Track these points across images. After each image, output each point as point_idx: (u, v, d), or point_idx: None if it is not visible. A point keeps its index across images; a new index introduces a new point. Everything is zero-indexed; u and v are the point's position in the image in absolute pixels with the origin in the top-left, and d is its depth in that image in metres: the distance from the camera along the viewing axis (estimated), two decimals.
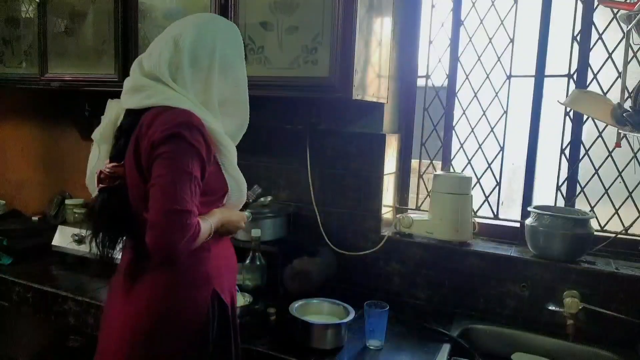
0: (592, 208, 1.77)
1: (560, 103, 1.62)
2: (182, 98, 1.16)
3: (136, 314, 1.16)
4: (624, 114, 1.38)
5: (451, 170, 1.99)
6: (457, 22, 1.94)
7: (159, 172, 1.07)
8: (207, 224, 1.15)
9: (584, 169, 1.78)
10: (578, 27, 1.75)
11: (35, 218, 2.61)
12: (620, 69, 1.57)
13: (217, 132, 1.17)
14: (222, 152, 1.20)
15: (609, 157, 1.73)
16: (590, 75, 1.75)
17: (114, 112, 1.26)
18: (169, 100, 1.14)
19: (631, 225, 1.71)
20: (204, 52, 1.20)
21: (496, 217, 1.94)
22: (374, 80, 1.74)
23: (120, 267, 1.25)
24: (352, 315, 1.49)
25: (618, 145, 1.54)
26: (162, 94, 1.16)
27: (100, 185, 1.17)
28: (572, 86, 1.77)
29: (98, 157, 1.26)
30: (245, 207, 1.39)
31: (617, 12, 1.59)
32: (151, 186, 1.08)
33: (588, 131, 1.77)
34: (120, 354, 1.17)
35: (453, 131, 1.98)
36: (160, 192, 1.06)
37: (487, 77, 1.91)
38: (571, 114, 1.78)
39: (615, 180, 1.73)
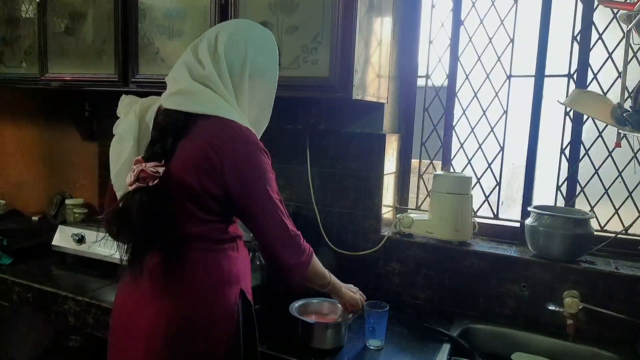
0: (592, 208, 1.77)
1: (560, 103, 1.62)
2: (235, 112, 1.19)
3: (172, 320, 1.16)
4: (624, 114, 1.38)
5: (451, 170, 1.99)
6: (457, 22, 1.94)
7: (264, 208, 1.18)
8: (323, 268, 1.35)
9: (584, 169, 1.78)
10: (578, 27, 1.75)
11: (35, 218, 2.61)
12: (620, 69, 1.57)
13: None
14: None
15: (609, 157, 1.73)
16: (590, 75, 1.75)
17: (137, 109, 1.23)
18: (221, 111, 1.17)
19: (631, 225, 1.71)
20: (237, 59, 1.21)
21: (496, 217, 1.94)
22: (374, 80, 1.74)
23: (147, 269, 1.17)
24: (352, 315, 1.49)
25: (618, 145, 1.54)
26: (214, 103, 1.17)
27: (137, 184, 1.11)
28: (572, 86, 1.77)
29: (128, 154, 1.21)
30: None
31: (617, 12, 1.59)
32: (262, 220, 1.19)
33: (588, 131, 1.77)
34: (152, 356, 1.16)
35: (453, 131, 1.98)
36: (276, 225, 1.20)
37: (487, 77, 1.91)
38: (571, 113, 1.78)
39: (615, 180, 1.73)
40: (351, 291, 1.48)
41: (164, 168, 1.13)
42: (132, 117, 1.22)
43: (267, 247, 1.21)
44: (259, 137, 1.27)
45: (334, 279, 1.40)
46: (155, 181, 1.11)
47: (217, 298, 1.20)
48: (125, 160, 1.20)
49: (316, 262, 1.30)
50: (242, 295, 1.24)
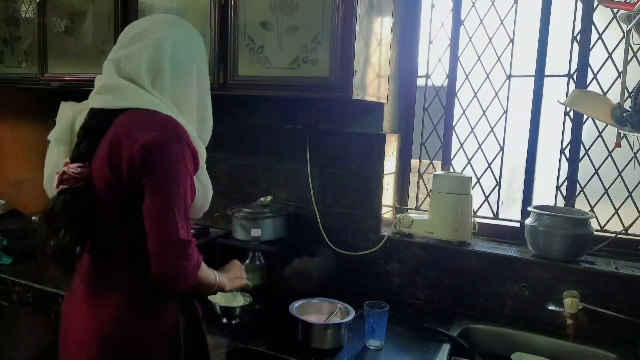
0: (592, 208, 1.77)
1: (560, 103, 1.62)
2: (161, 104, 1.14)
3: (103, 323, 1.13)
4: (624, 114, 1.38)
5: (451, 170, 1.99)
6: (457, 22, 1.94)
7: (154, 198, 1.07)
8: (210, 271, 1.21)
9: (584, 169, 1.78)
10: (578, 27, 1.75)
11: (35, 218, 2.61)
12: (620, 69, 1.57)
13: (195, 138, 1.16)
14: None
15: (609, 157, 1.73)
16: (590, 75, 1.75)
17: (70, 114, 1.24)
18: (147, 104, 1.13)
19: (631, 225, 1.71)
20: (185, 56, 1.19)
21: (496, 217, 1.94)
22: (374, 80, 1.74)
23: (79, 272, 1.18)
24: (352, 315, 1.49)
25: (618, 145, 1.54)
26: (138, 97, 1.14)
27: (62, 186, 1.11)
28: (572, 86, 1.77)
29: (57, 159, 1.23)
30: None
31: (617, 12, 1.59)
32: (148, 212, 1.07)
33: (588, 131, 1.77)
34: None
35: (453, 131, 1.98)
36: (159, 222, 1.07)
37: (487, 77, 1.91)
38: (571, 113, 1.78)
39: (615, 180, 1.73)
40: (234, 277, 1.36)
41: (87, 169, 1.13)
42: (64, 123, 1.24)
43: (150, 245, 1.08)
44: (208, 136, 1.26)
45: (218, 281, 1.24)
46: (80, 183, 1.11)
47: (152, 300, 1.15)
48: (55, 165, 1.21)
49: (202, 274, 1.15)
50: (183, 299, 1.20)
